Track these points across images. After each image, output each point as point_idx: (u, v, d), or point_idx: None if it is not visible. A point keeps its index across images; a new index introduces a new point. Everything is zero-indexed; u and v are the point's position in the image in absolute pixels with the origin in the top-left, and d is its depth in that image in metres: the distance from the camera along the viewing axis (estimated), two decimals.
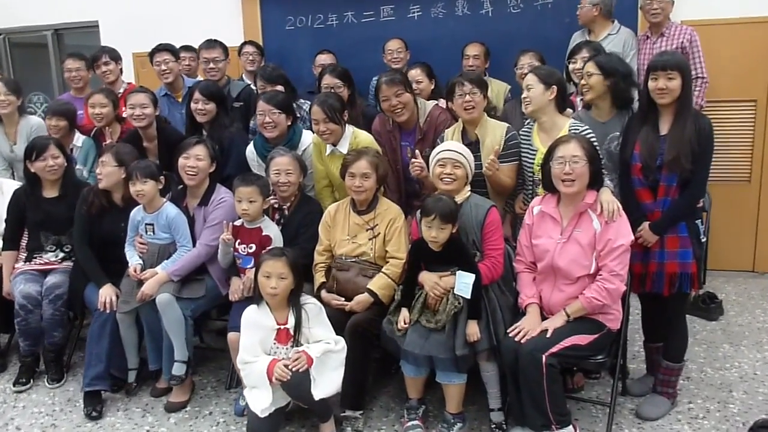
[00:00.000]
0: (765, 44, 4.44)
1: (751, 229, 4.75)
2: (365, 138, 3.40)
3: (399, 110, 3.40)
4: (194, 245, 3.30)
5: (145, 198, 3.25)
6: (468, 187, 2.99)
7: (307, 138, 3.55)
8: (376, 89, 3.47)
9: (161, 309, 3.13)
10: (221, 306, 3.45)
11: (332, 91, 3.69)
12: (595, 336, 2.72)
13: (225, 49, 4.37)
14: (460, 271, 2.78)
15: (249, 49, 4.92)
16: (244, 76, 4.99)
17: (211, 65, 4.28)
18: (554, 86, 3.02)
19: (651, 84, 2.88)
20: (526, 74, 3.21)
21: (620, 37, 4.26)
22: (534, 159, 3.08)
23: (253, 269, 3.03)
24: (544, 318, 2.80)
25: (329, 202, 3.47)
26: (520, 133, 3.21)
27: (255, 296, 2.83)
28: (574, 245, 2.73)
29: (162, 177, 3.31)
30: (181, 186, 3.44)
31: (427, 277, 2.87)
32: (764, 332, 3.84)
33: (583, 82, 3.11)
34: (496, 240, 2.90)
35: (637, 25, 4.51)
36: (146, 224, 3.30)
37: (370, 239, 3.11)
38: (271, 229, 3.17)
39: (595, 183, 2.76)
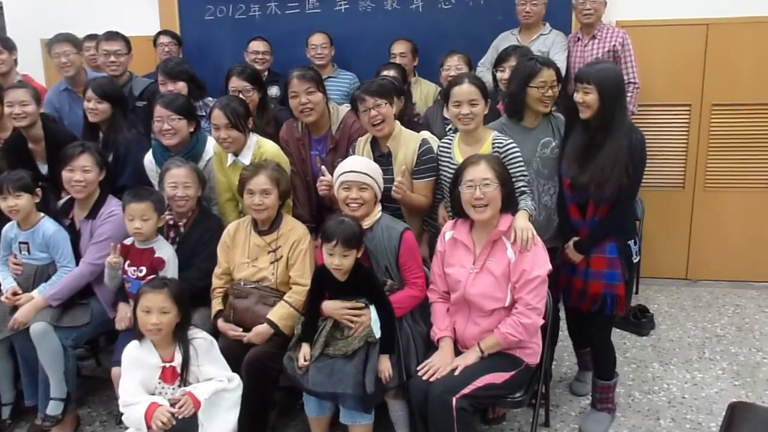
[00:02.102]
0: (700, 47, 4.29)
1: (685, 236, 4.64)
2: (270, 148, 3.08)
3: (308, 110, 3.09)
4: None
5: (19, 214, 2.89)
6: (378, 208, 2.73)
7: (211, 147, 3.22)
8: (285, 83, 3.15)
9: (35, 340, 2.79)
10: (110, 332, 3.11)
11: (239, 95, 3.37)
12: (512, 373, 2.51)
13: (127, 41, 3.97)
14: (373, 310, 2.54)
15: (165, 39, 4.54)
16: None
17: (112, 59, 3.87)
18: (488, 99, 2.79)
19: (575, 95, 2.68)
20: (452, 77, 2.99)
21: (550, 38, 4.05)
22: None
23: None
24: (458, 352, 2.58)
25: (233, 217, 3.18)
26: (440, 145, 2.95)
27: (135, 332, 2.51)
28: (487, 276, 2.50)
29: (38, 189, 2.94)
30: (68, 196, 3.08)
31: (332, 307, 2.61)
32: (694, 348, 3.72)
33: (548, 93, 2.83)
34: (413, 267, 2.67)
35: (571, 25, 4.30)
36: (20, 243, 2.94)
37: (271, 263, 2.81)
38: (165, 251, 2.84)
39: (508, 206, 2.53)
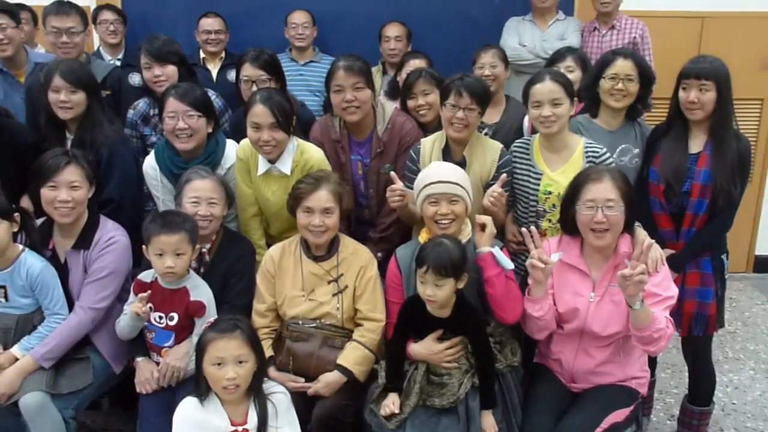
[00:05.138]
0: (695, 41, 4.21)
1: None
2: (316, 154, 2.55)
3: (353, 108, 2.59)
4: (70, 308, 2.29)
5: None
6: (469, 225, 2.32)
7: (233, 153, 2.62)
8: (329, 75, 2.63)
9: (28, 416, 2.12)
10: (114, 391, 2.47)
11: (252, 85, 2.79)
12: (632, 408, 2.23)
13: (83, 15, 3.17)
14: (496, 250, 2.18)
15: (109, 15, 3.78)
16: (102, 51, 3.83)
17: (64, 38, 3.05)
18: (574, 99, 2.43)
19: (682, 94, 2.44)
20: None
21: (566, 24, 3.79)
22: (539, 184, 2.47)
23: (175, 349, 2.17)
24: (564, 389, 2.27)
25: (257, 237, 2.64)
26: (514, 149, 2.58)
27: (200, 388, 1.94)
28: (609, 304, 2.18)
29: (17, 214, 2.23)
30: (44, 219, 2.38)
31: (426, 349, 2.18)
32: (717, 348, 3.59)
33: (620, 86, 2.55)
34: None
35: (573, 14, 4.07)
36: None
37: (334, 295, 2.32)
38: (202, 291, 2.25)
39: (630, 227, 2.22)
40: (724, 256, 2.56)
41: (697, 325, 2.54)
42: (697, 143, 2.49)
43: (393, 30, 3.88)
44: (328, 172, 2.42)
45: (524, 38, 3.76)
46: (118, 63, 3.74)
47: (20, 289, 2.23)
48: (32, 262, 2.24)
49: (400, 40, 3.88)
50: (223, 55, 3.96)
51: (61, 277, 2.31)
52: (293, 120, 2.49)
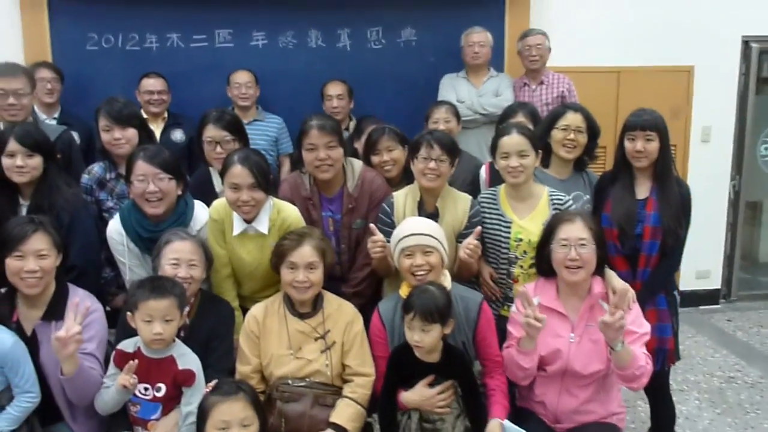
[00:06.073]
0: (613, 93, 4.58)
1: None
2: (292, 213, 2.57)
3: (326, 167, 2.65)
4: (41, 384, 2.15)
5: None
6: (448, 276, 2.39)
7: (202, 213, 2.59)
8: (301, 133, 2.67)
9: None
10: None
11: (216, 146, 2.79)
12: None
13: (31, 77, 3.04)
14: (507, 423, 2.18)
15: (46, 73, 3.67)
16: (36, 110, 3.68)
17: (11, 100, 2.89)
18: (539, 151, 2.60)
19: (628, 145, 2.67)
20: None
21: (499, 81, 4.04)
22: (509, 232, 2.59)
23: (164, 421, 2.10)
24: (548, 428, 2.34)
25: (231, 298, 2.60)
26: (481, 200, 2.70)
27: None
28: (588, 343, 2.31)
29: None
30: (4, 290, 2.24)
31: (419, 396, 2.21)
32: None
33: (571, 137, 2.76)
34: (493, 342, 2.36)
35: (504, 70, 4.32)
36: None
37: (322, 352, 2.32)
38: (189, 359, 2.17)
39: (601, 267, 2.38)
40: (675, 292, 2.77)
41: (658, 360, 2.69)
42: (643, 189, 2.70)
43: (335, 88, 3.99)
44: (311, 228, 2.45)
45: (461, 95, 3.95)
46: (54, 122, 3.63)
47: None
48: (1, 337, 2.09)
49: (342, 98, 3.99)
50: (165, 115, 3.92)
51: (30, 351, 2.17)
52: (270, 179, 2.50)
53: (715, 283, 5.07)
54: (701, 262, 4.83)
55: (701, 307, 4.94)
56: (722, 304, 5.10)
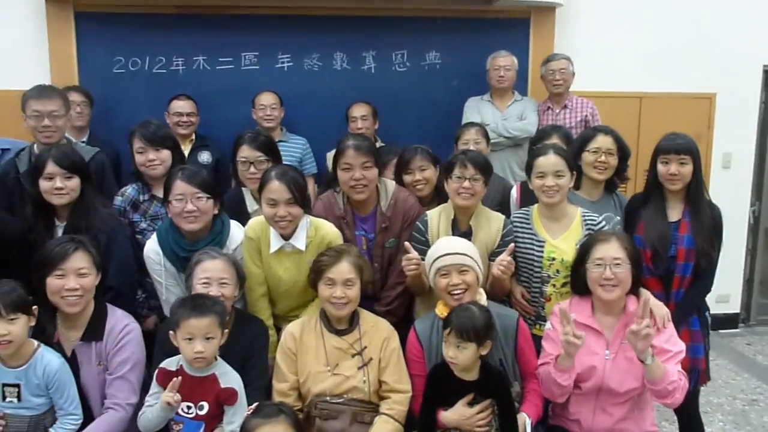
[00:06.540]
0: (635, 118, 4.62)
1: None
2: (330, 231, 2.59)
3: (361, 187, 2.67)
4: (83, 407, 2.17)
5: (11, 346, 2.04)
6: (483, 294, 2.41)
7: (238, 233, 2.61)
8: (337, 153, 2.70)
9: None
10: None
11: (250, 167, 2.82)
12: None
13: (66, 99, 3.09)
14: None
15: (76, 97, 3.70)
16: (66, 133, 3.73)
17: (47, 122, 2.93)
18: (574, 171, 2.63)
19: (661, 168, 2.70)
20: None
21: (523, 105, 4.08)
22: (542, 252, 2.61)
23: None
24: None
25: (266, 317, 2.61)
26: (513, 219, 2.72)
27: None
28: (623, 361, 2.31)
29: (35, 307, 2.12)
30: (44, 310, 2.25)
31: (458, 415, 2.21)
32: None
33: (602, 159, 2.79)
34: (532, 358, 2.37)
35: (527, 94, 4.37)
36: (5, 386, 2.06)
37: (359, 368, 2.32)
38: (231, 377, 2.17)
39: (636, 286, 2.39)
40: (707, 314, 2.78)
41: (691, 380, 2.68)
42: (675, 212, 2.73)
43: (359, 110, 4.02)
44: (349, 245, 2.47)
45: (486, 118, 3.98)
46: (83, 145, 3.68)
47: (35, 388, 2.09)
48: (50, 358, 2.11)
49: (367, 119, 4.01)
50: (193, 137, 3.97)
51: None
52: (307, 195, 2.53)
53: (734, 307, 5.07)
54: (721, 286, 4.69)
55: (721, 331, 4.91)
56: (741, 328, 5.12)
